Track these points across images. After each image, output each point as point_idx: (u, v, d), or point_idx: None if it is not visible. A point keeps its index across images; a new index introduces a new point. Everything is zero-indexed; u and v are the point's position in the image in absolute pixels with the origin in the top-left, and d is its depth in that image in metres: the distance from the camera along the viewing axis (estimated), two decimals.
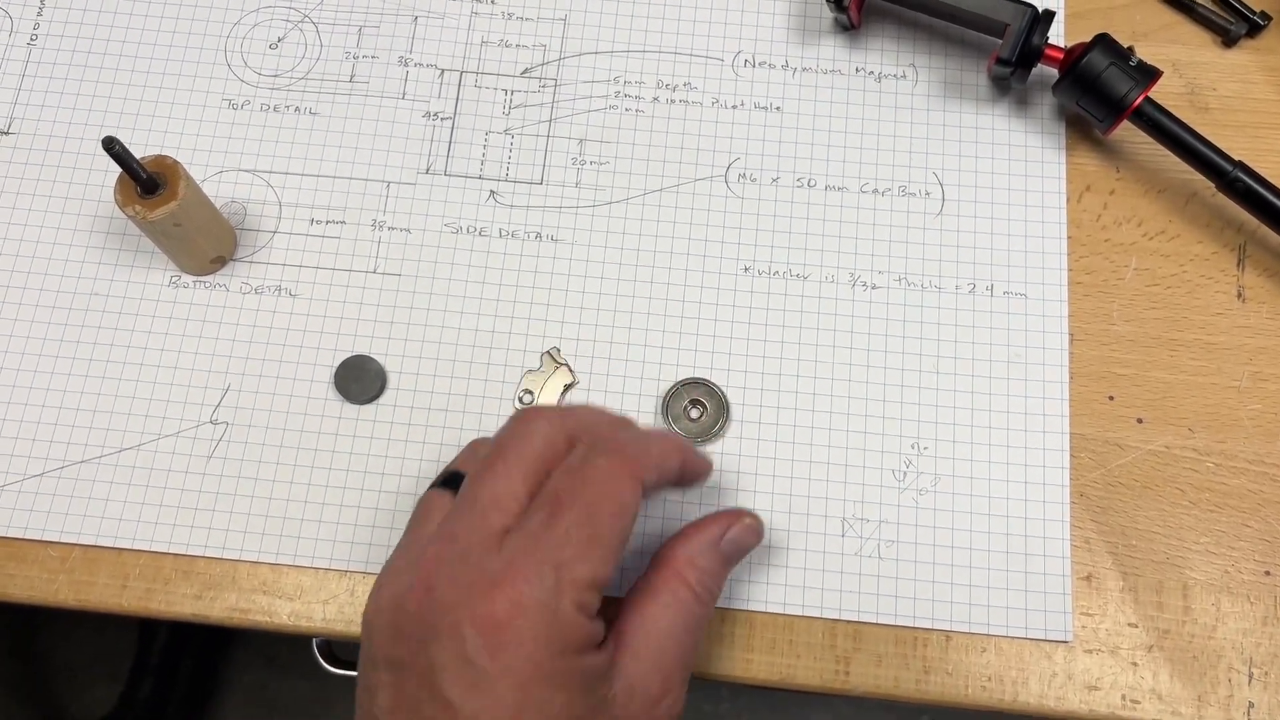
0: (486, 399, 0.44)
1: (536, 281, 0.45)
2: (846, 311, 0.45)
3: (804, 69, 0.48)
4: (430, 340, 0.44)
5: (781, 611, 0.41)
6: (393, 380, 0.44)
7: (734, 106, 0.48)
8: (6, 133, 0.48)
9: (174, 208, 0.40)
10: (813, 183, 0.46)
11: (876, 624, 0.41)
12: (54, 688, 1.11)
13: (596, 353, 0.44)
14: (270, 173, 0.47)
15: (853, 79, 0.48)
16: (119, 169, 0.39)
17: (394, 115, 0.48)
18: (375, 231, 0.46)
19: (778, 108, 0.48)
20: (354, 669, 0.43)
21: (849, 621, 0.41)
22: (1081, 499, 0.42)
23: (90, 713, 1.09)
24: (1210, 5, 0.48)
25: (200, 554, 0.42)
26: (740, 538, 0.37)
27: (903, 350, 0.44)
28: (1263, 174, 0.43)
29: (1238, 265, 0.45)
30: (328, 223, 0.46)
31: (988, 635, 0.41)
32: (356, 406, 0.44)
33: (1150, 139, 0.44)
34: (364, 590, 0.41)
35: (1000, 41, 0.44)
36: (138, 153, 0.41)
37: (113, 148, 0.38)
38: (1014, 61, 0.44)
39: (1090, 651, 0.40)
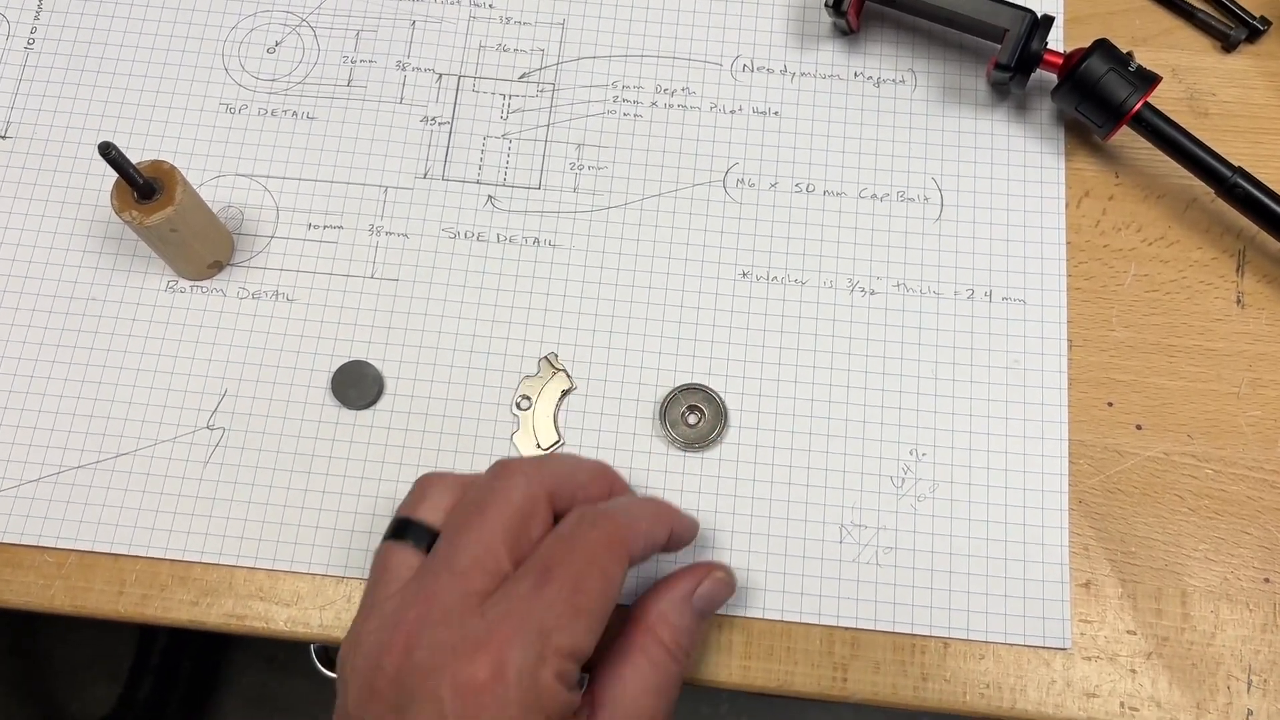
0: (484, 404, 0.44)
1: (534, 286, 0.45)
2: (845, 317, 0.44)
3: (802, 74, 0.48)
4: (428, 345, 0.44)
5: (779, 618, 0.41)
6: (390, 386, 0.44)
7: (732, 111, 0.47)
8: (3, 137, 0.48)
9: (170, 213, 0.40)
10: (811, 188, 0.46)
11: (874, 631, 0.41)
12: (54, 687, 1.11)
13: (594, 358, 0.44)
14: (268, 177, 0.47)
15: (851, 84, 0.48)
16: (115, 174, 0.39)
17: (392, 120, 0.48)
18: (373, 236, 0.46)
19: (776, 113, 0.47)
20: None
21: (847, 628, 0.41)
22: (1080, 505, 0.42)
23: (90, 712, 1.09)
24: (1210, 10, 0.48)
25: (197, 560, 0.42)
26: (712, 592, 0.37)
27: (901, 356, 0.44)
28: (1262, 180, 0.43)
29: (1237, 271, 0.45)
30: (325, 227, 0.46)
31: (986, 642, 0.40)
32: (354, 412, 0.44)
33: (1149, 144, 0.44)
34: (361, 596, 0.41)
35: (999, 47, 0.44)
36: (134, 157, 0.41)
37: (109, 153, 0.38)
38: (1013, 67, 0.44)
39: (1089, 658, 0.40)
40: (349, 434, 0.43)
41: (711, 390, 0.43)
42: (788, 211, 0.46)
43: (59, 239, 0.46)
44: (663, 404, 0.43)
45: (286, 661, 1.10)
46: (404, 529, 0.35)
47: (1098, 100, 0.43)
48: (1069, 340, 0.44)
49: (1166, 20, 0.49)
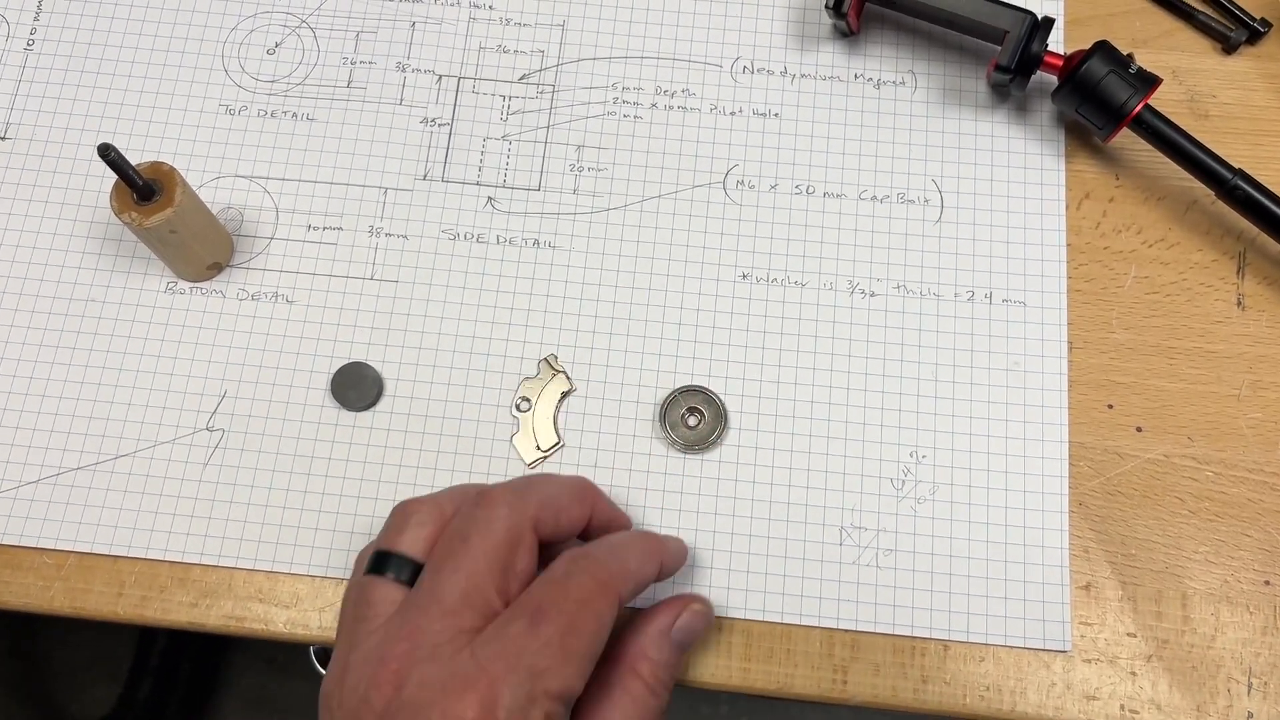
0: (484, 406, 0.44)
1: (534, 288, 0.45)
2: (845, 319, 0.44)
3: (802, 75, 0.48)
4: (427, 347, 0.44)
5: (779, 620, 0.41)
6: (390, 387, 0.44)
7: (732, 113, 0.47)
8: (3, 138, 0.48)
9: (170, 214, 0.40)
10: (811, 190, 0.46)
11: (874, 633, 0.41)
12: (53, 688, 1.11)
13: (594, 359, 0.44)
14: (267, 179, 0.47)
15: (851, 85, 0.48)
16: (115, 175, 0.39)
17: (391, 121, 0.48)
18: (372, 238, 0.46)
19: (776, 114, 0.47)
20: None
21: (847, 630, 0.41)
22: (1080, 508, 0.42)
23: (89, 713, 1.09)
24: (1210, 12, 0.48)
25: (196, 561, 0.42)
26: (690, 624, 0.37)
27: (901, 358, 0.44)
28: (1263, 182, 0.43)
29: (1237, 273, 0.45)
30: (325, 229, 0.46)
31: (986, 644, 0.40)
32: (353, 414, 0.44)
33: (1150, 146, 0.44)
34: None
35: (999, 48, 0.44)
36: (134, 159, 0.41)
37: (108, 154, 0.38)
38: (1013, 69, 0.44)
39: (1089, 661, 0.40)
40: (348, 435, 0.43)
41: (711, 392, 0.43)
42: (788, 213, 0.46)
43: (58, 240, 0.46)
44: (663, 406, 0.43)
45: (286, 663, 1.10)
46: (384, 562, 0.34)
47: (1098, 102, 0.43)
48: (1069, 342, 0.44)
49: (1167, 22, 0.49)
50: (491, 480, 0.43)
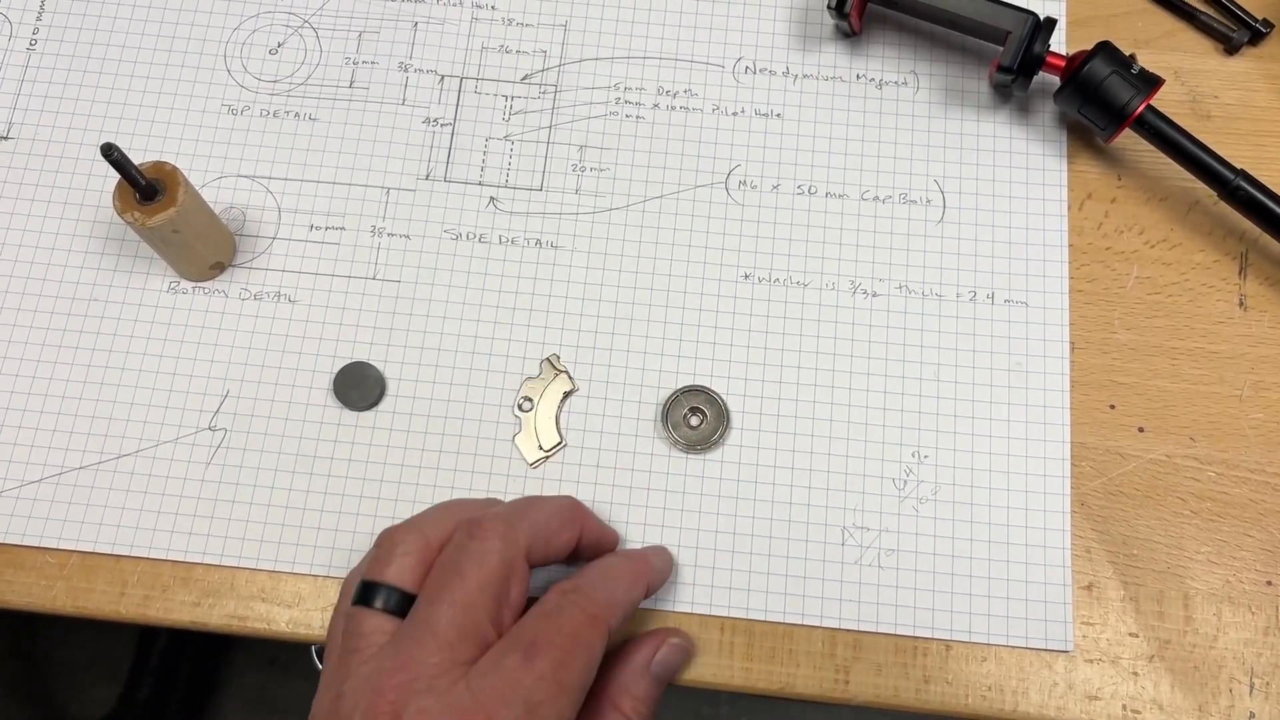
0: (486, 405, 0.44)
1: (536, 288, 0.45)
2: (847, 319, 0.44)
3: (805, 76, 0.48)
4: (430, 347, 0.44)
5: (781, 620, 0.41)
6: (392, 387, 0.44)
7: (734, 113, 0.47)
8: (5, 138, 0.48)
9: (173, 214, 0.40)
10: (813, 190, 0.46)
11: (876, 633, 0.41)
12: (53, 688, 1.11)
13: (596, 359, 0.44)
14: (269, 179, 0.47)
15: (854, 86, 0.48)
16: (118, 175, 0.39)
17: (394, 121, 0.48)
18: (375, 238, 0.46)
19: (778, 114, 0.47)
20: None
21: (849, 630, 0.41)
22: (1082, 508, 0.42)
23: (89, 714, 1.09)
24: (1212, 13, 0.48)
25: (199, 561, 0.42)
26: (669, 658, 0.38)
27: (903, 358, 0.44)
28: (1265, 182, 0.43)
29: (1239, 274, 0.45)
30: (327, 229, 0.46)
31: (988, 644, 0.40)
32: (356, 413, 0.44)
33: (1152, 147, 0.44)
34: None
35: (1001, 49, 0.44)
36: (136, 158, 0.41)
37: (111, 154, 0.38)
38: (1015, 69, 0.44)
39: (1091, 661, 0.40)
40: (351, 435, 0.43)
41: (713, 392, 0.43)
42: (790, 213, 0.46)
43: (61, 240, 0.46)
44: (665, 406, 0.43)
45: (287, 663, 1.10)
46: (371, 592, 0.34)
47: (1100, 103, 0.43)
48: (1071, 343, 0.44)
49: (1169, 23, 0.49)
50: (493, 479, 0.43)
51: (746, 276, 0.45)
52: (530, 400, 0.44)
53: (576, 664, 0.33)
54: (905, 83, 0.48)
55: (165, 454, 0.43)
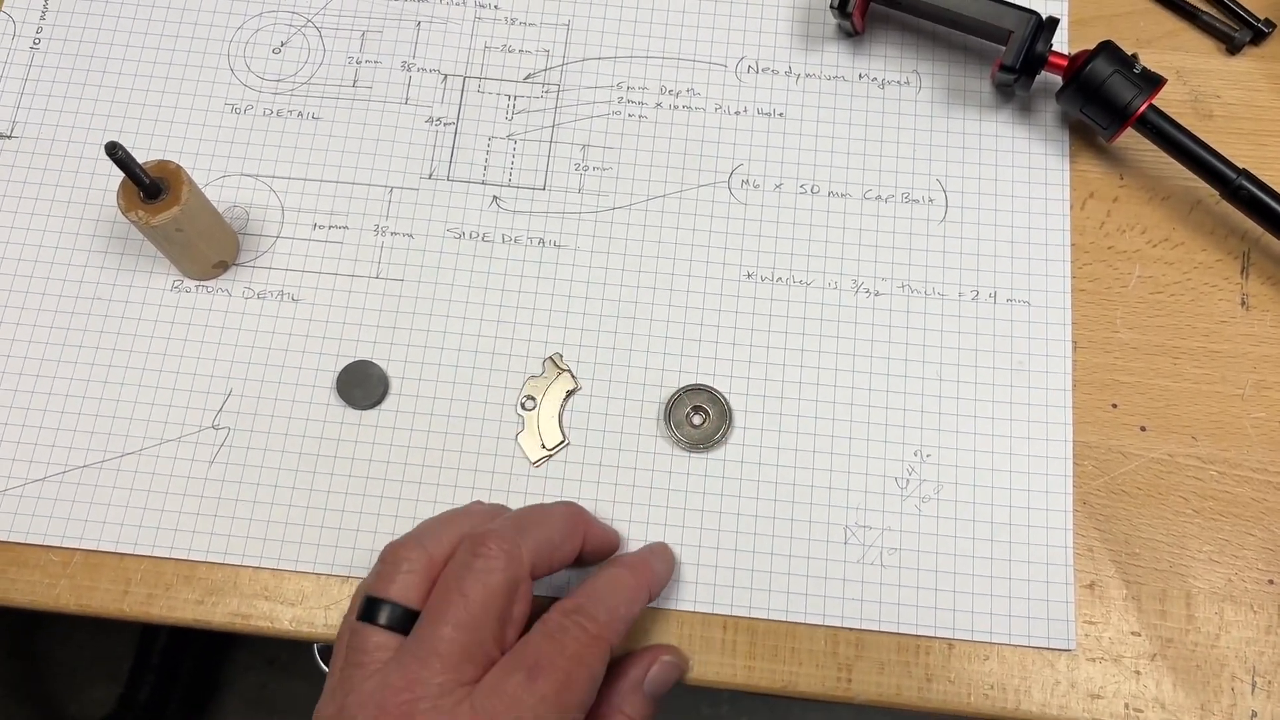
0: (489, 404, 0.44)
1: (539, 287, 0.45)
2: (849, 318, 0.44)
3: (807, 75, 0.48)
4: (433, 346, 0.44)
5: (784, 619, 0.41)
6: (395, 386, 0.44)
7: (737, 112, 0.48)
8: (9, 136, 0.48)
9: (177, 213, 0.40)
10: (816, 189, 0.46)
11: (879, 632, 0.41)
12: (54, 688, 1.11)
13: (599, 358, 0.44)
14: (273, 178, 0.47)
15: (856, 85, 0.48)
16: (122, 174, 0.39)
17: (397, 120, 0.48)
18: (378, 237, 0.46)
19: (781, 114, 0.47)
20: None
21: (851, 629, 0.41)
22: (1084, 507, 0.42)
23: (90, 714, 1.09)
24: (1214, 12, 0.48)
25: (202, 559, 0.42)
26: (662, 675, 0.39)
27: (906, 357, 0.44)
28: (1267, 182, 0.43)
29: (1241, 273, 0.45)
30: (330, 228, 0.46)
31: (990, 643, 0.41)
32: (359, 412, 0.44)
33: (1154, 146, 0.44)
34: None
35: (1004, 48, 0.44)
36: (140, 157, 0.41)
37: (115, 152, 0.38)
38: (1018, 69, 0.44)
39: (1093, 660, 0.40)
40: (354, 434, 0.43)
41: (716, 391, 0.43)
42: (792, 213, 0.46)
43: (65, 239, 0.46)
44: (667, 404, 0.43)
45: (288, 663, 1.10)
46: (374, 609, 0.34)
47: (1103, 102, 0.43)
48: (1073, 342, 0.44)
49: (1171, 22, 0.49)
50: (496, 478, 0.43)
51: (749, 275, 0.45)
52: (533, 399, 0.44)
53: (578, 685, 0.33)
54: (908, 82, 0.48)
55: (169, 452, 0.43)
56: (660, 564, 0.40)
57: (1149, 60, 0.46)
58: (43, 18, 0.49)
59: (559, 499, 0.42)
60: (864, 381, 0.44)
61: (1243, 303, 0.45)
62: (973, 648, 0.41)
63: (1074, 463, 0.43)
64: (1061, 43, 0.48)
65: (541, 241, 0.46)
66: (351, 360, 0.44)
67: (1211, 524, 0.42)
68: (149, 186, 0.40)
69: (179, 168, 0.41)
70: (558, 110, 0.48)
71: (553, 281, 0.45)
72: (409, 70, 0.48)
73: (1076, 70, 0.43)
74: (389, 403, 0.44)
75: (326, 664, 0.58)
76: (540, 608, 0.35)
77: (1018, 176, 0.46)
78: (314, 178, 0.47)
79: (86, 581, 0.42)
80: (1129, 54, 0.43)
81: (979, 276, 0.45)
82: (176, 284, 0.45)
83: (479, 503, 0.41)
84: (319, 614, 0.41)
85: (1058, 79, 0.45)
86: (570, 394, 0.44)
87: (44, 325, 0.45)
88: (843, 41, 0.49)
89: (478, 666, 0.33)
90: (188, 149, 0.47)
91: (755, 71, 0.48)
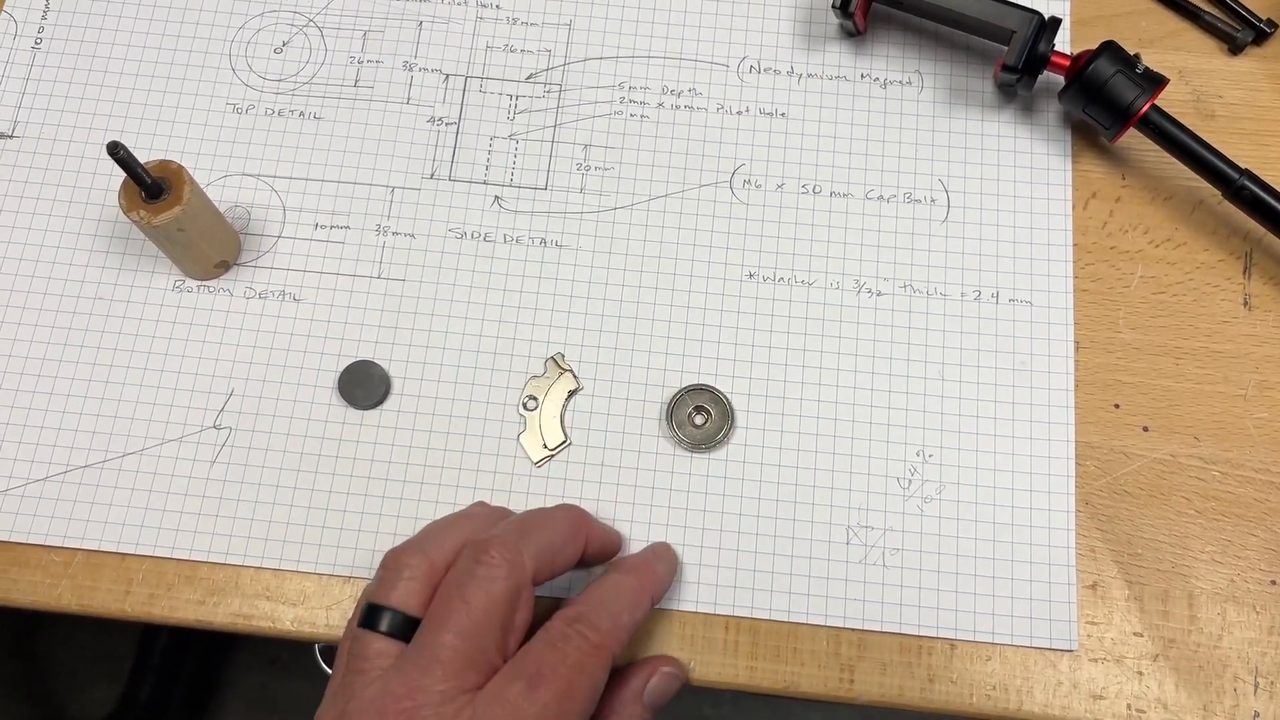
0: (491, 404, 0.44)
1: (541, 287, 0.45)
2: (851, 318, 0.44)
3: (809, 75, 0.48)
4: (434, 346, 0.44)
5: (786, 619, 0.41)
6: (397, 386, 0.44)
7: (739, 112, 0.47)
8: (10, 136, 0.48)
9: (178, 213, 0.40)
10: (818, 189, 0.46)
11: (881, 632, 0.41)
12: (54, 688, 1.11)
13: (601, 358, 0.44)
14: (274, 177, 0.47)
15: (858, 85, 0.48)
16: (123, 173, 0.39)
17: (398, 120, 0.48)
18: (379, 236, 0.46)
19: (783, 114, 0.47)
20: None
21: (853, 629, 0.41)
22: (1087, 507, 0.42)
23: (90, 713, 1.09)
24: (1216, 12, 0.48)
25: (203, 559, 0.42)
26: (661, 686, 0.39)
27: (908, 357, 0.44)
28: (1269, 182, 0.43)
29: (1244, 273, 0.45)
30: (332, 228, 0.46)
31: (993, 644, 0.40)
32: (360, 412, 0.44)
33: (1156, 146, 0.44)
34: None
35: (1006, 48, 0.44)
36: (142, 157, 0.41)
37: (117, 152, 0.38)
38: (1020, 68, 0.44)
39: (1095, 660, 0.40)
40: (355, 434, 0.43)
41: (718, 391, 0.43)
42: (794, 213, 0.46)
43: (66, 238, 0.46)
44: (669, 404, 0.43)
45: (288, 663, 1.10)
46: (375, 616, 0.34)
47: (1105, 102, 0.43)
48: (1076, 342, 0.44)
49: (1173, 22, 0.49)
50: (498, 478, 0.43)
51: (751, 275, 0.45)
52: (535, 399, 0.44)
53: (580, 694, 0.33)
54: (910, 82, 0.48)
55: (170, 452, 0.43)
56: (663, 567, 0.40)
57: (1151, 60, 0.46)
58: (44, 17, 0.49)
59: (561, 499, 0.42)
60: (866, 381, 0.44)
61: (1245, 303, 0.45)
62: (975, 648, 0.40)
63: (1076, 463, 0.42)
64: (1064, 43, 0.48)
65: (543, 241, 0.46)
66: (353, 360, 0.44)
67: (1214, 524, 0.42)
68: (150, 186, 0.40)
69: (180, 168, 0.41)
70: (559, 110, 0.48)
71: (554, 281, 0.45)
72: (411, 70, 0.48)
73: (1079, 70, 0.43)
74: (391, 403, 0.44)
75: (328, 664, 0.58)
76: (541, 610, 0.35)
77: (1020, 176, 0.46)
78: (315, 178, 0.47)
79: (88, 582, 0.42)
80: (1131, 54, 0.43)
81: (981, 277, 0.45)
82: (178, 284, 0.45)
83: (481, 503, 0.41)
84: (320, 614, 0.41)
85: (1060, 79, 0.45)
86: (572, 394, 0.44)
87: (45, 325, 0.45)
88: (845, 41, 0.49)
89: (479, 674, 0.33)
90: (189, 149, 0.47)
91: (757, 71, 0.48)
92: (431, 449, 0.43)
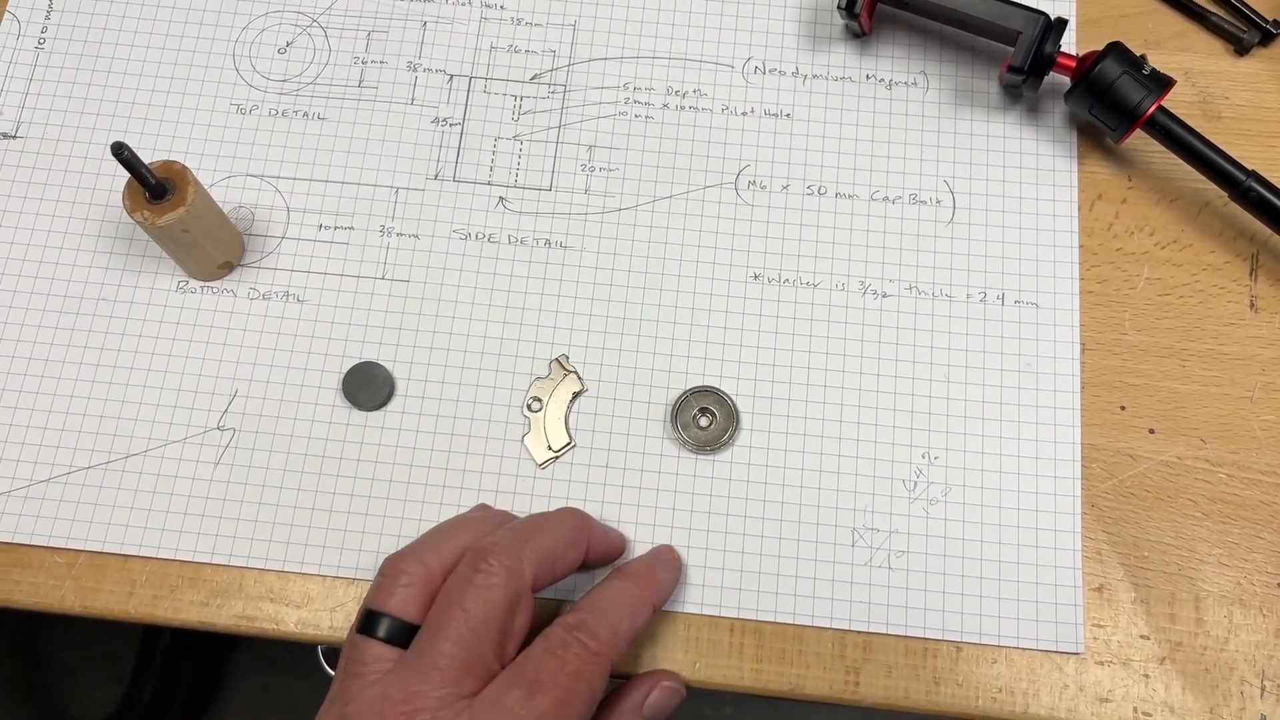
0: (495, 405, 0.44)
1: (545, 288, 0.45)
2: (857, 320, 0.44)
3: (814, 76, 0.48)
4: (439, 347, 0.44)
5: (791, 621, 0.41)
6: (401, 387, 0.44)
7: (744, 113, 0.47)
8: (14, 137, 0.48)
9: (182, 213, 0.40)
10: (823, 190, 0.46)
11: (886, 634, 0.41)
12: (56, 688, 1.11)
13: (605, 360, 0.44)
14: (278, 178, 0.47)
15: (863, 86, 0.48)
16: (127, 174, 0.39)
17: (403, 121, 0.48)
18: (384, 237, 0.46)
19: (788, 115, 0.47)
20: None
21: (859, 632, 0.41)
22: (1093, 509, 0.42)
23: (92, 713, 1.09)
24: (1223, 14, 0.48)
25: (207, 561, 0.42)
26: (662, 701, 0.39)
27: (913, 359, 0.44)
28: (1276, 183, 0.43)
29: (1250, 275, 0.45)
30: (336, 228, 0.46)
31: (998, 646, 0.40)
32: (364, 413, 0.43)
33: (1162, 148, 0.44)
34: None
35: (1012, 49, 0.44)
36: (146, 158, 0.41)
37: (121, 153, 0.38)
38: (1026, 69, 0.43)
39: (1102, 663, 0.40)
40: (359, 435, 0.43)
41: (723, 393, 0.43)
42: (799, 214, 0.46)
43: (70, 239, 0.46)
44: (674, 406, 0.43)
45: (290, 664, 1.10)
46: (373, 622, 0.34)
47: (1111, 103, 0.43)
48: (1081, 344, 0.44)
49: (1179, 23, 0.49)
50: (502, 480, 0.42)
51: (756, 277, 0.45)
52: (539, 400, 0.44)
53: (577, 701, 0.33)
54: (915, 83, 0.48)
55: (174, 454, 0.43)
56: (666, 573, 0.40)
57: (1157, 61, 0.46)
58: (48, 18, 0.49)
59: (565, 501, 0.42)
60: (871, 383, 0.43)
61: (1251, 305, 0.45)
62: (981, 650, 0.40)
63: (1082, 465, 0.42)
64: (1069, 44, 0.48)
65: (547, 242, 0.46)
66: (357, 361, 0.44)
67: (1220, 527, 0.42)
68: (154, 187, 0.40)
69: (184, 168, 0.41)
70: (564, 111, 0.48)
71: (559, 283, 0.45)
72: (415, 71, 0.48)
73: (1085, 71, 0.43)
74: (395, 404, 0.44)
75: (330, 666, 0.58)
76: (541, 612, 0.35)
77: (1025, 178, 0.46)
78: (319, 178, 0.47)
79: (91, 583, 0.42)
80: (1138, 55, 0.43)
81: (986, 278, 0.45)
82: (182, 285, 0.45)
83: (483, 506, 0.41)
84: (324, 616, 0.41)
85: (1066, 80, 0.45)
86: (576, 395, 0.44)
87: (49, 326, 0.45)
88: (850, 42, 0.48)
89: (477, 680, 0.33)
90: (193, 149, 0.47)
91: (762, 72, 0.48)
92: (436, 450, 0.43)
